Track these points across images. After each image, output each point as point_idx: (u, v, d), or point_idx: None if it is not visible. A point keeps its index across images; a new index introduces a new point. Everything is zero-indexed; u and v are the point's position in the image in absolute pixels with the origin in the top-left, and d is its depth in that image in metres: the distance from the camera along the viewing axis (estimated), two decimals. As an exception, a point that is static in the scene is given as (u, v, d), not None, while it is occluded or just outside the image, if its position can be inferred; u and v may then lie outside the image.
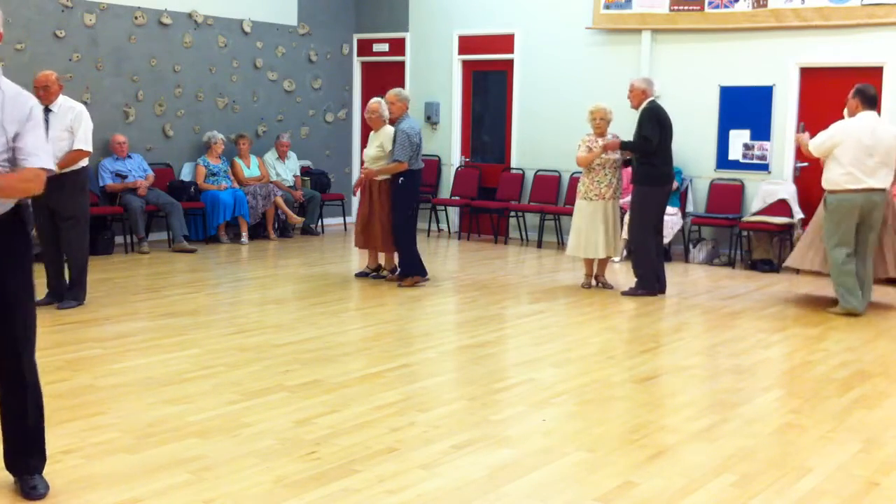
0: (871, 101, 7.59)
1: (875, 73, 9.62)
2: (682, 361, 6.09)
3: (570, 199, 11.29)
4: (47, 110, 7.10)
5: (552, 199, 11.56)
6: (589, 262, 8.67)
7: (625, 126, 8.76)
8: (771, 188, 10.10)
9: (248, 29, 11.90)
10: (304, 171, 12.35)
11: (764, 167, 10.30)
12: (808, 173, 10.00)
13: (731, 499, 3.82)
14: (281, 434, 4.47)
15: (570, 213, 11.17)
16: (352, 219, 13.30)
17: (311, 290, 8.32)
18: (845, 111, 7.78)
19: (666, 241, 10.16)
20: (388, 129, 8.64)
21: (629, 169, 8.59)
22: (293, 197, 11.79)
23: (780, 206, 9.92)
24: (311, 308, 7.58)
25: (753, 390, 5.47)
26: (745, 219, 10.02)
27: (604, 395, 5.30)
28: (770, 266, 9.85)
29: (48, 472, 3.87)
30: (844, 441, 4.57)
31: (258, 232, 11.54)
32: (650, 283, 8.33)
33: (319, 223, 12.21)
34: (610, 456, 4.28)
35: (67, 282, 7.34)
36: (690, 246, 10.46)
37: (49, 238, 7.29)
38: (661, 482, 3.97)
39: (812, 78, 10.02)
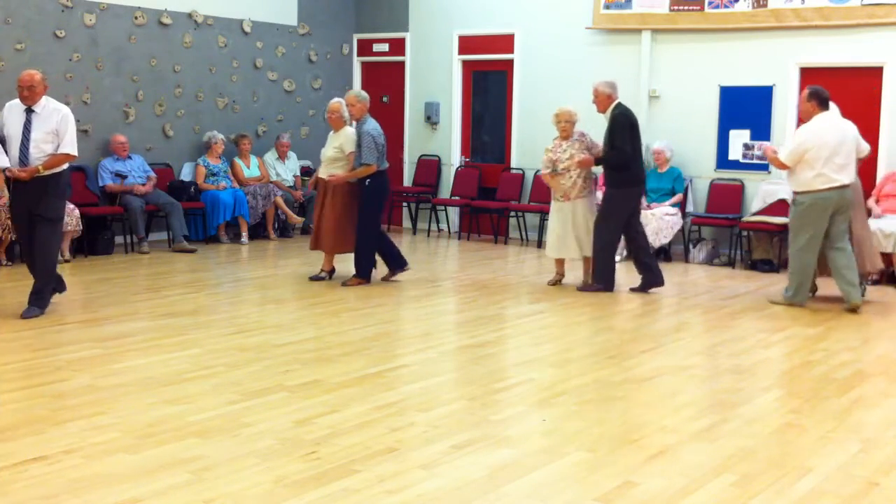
0: (827, 101, 7.71)
1: (875, 73, 9.63)
2: (682, 361, 6.09)
3: (570, 199, 11.31)
4: (30, 111, 6.90)
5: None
6: (559, 261, 8.74)
7: (584, 126, 8.69)
8: (771, 188, 10.09)
9: (248, 29, 11.90)
10: (304, 171, 12.33)
11: (764, 167, 10.30)
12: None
13: (731, 499, 3.82)
14: (281, 434, 4.47)
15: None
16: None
17: (311, 290, 8.32)
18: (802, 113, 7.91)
19: (666, 241, 10.20)
20: (349, 131, 8.53)
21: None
22: (293, 197, 11.79)
23: (780, 206, 9.91)
24: (311, 308, 7.58)
25: (753, 390, 5.47)
26: (745, 219, 10.02)
27: (604, 395, 5.30)
28: (770, 266, 9.85)
29: (49, 471, 3.90)
30: (844, 441, 4.57)
31: (258, 232, 11.54)
32: (608, 280, 8.40)
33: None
34: (610, 456, 4.28)
35: (34, 287, 6.99)
36: (690, 246, 10.46)
37: (30, 244, 6.99)
38: (661, 482, 3.97)
39: (812, 78, 9.99)
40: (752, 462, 4.24)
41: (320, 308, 7.56)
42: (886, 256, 8.95)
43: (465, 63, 12.44)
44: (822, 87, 7.81)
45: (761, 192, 10.16)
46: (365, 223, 8.41)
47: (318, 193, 8.76)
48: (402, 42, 12.85)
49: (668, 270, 9.45)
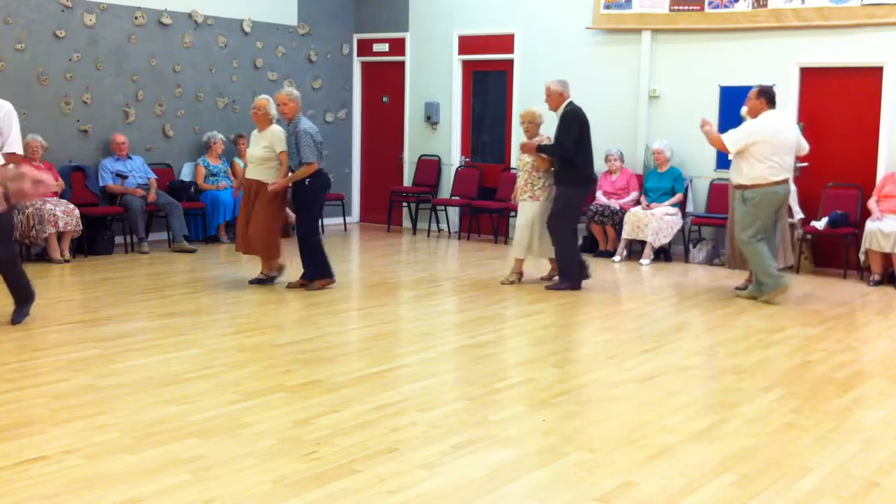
0: (774, 100, 8.09)
1: (875, 73, 9.62)
2: (682, 361, 6.09)
3: (570, 199, 11.31)
4: None
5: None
6: (551, 260, 8.81)
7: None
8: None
9: (248, 29, 11.90)
10: (304, 171, 12.33)
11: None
12: (808, 173, 10.00)
13: (731, 499, 3.82)
14: (281, 434, 4.47)
15: (570, 213, 11.21)
16: (352, 218, 13.35)
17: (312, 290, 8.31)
18: (744, 110, 8.32)
19: (665, 241, 10.21)
20: (276, 130, 8.25)
21: None
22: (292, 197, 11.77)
23: (780, 206, 9.91)
24: (311, 308, 7.58)
25: (753, 390, 5.47)
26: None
27: (604, 395, 5.30)
28: (770, 266, 9.83)
29: (49, 471, 3.90)
30: (844, 441, 4.57)
31: (258, 232, 11.52)
32: (574, 278, 8.45)
33: (319, 223, 12.18)
34: (610, 456, 4.28)
35: (14, 299, 6.66)
36: (690, 246, 10.46)
37: None
38: (661, 482, 3.97)
39: (812, 78, 10.02)
40: (752, 462, 4.24)
41: (320, 308, 7.56)
42: (886, 256, 8.96)
43: (465, 63, 12.44)
44: (770, 86, 8.20)
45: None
46: (308, 223, 8.23)
47: (245, 195, 8.34)
48: (402, 42, 12.85)
49: (668, 270, 9.46)
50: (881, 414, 5.05)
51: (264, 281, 8.49)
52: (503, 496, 3.80)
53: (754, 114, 8.03)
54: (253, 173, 8.32)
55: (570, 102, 8.36)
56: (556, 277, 8.79)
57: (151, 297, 7.88)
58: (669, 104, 10.81)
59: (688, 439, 4.53)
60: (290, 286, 8.29)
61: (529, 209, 8.55)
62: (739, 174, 8.01)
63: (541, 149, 8.38)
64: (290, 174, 8.18)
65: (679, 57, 10.75)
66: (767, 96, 8.03)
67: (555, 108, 8.42)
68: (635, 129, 10.96)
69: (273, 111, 8.31)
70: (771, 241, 8.13)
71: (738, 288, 8.56)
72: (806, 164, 9.85)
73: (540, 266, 9.25)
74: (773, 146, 7.86)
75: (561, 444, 4.43)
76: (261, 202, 8.21)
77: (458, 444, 4.38)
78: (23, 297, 6.72)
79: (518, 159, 8.71)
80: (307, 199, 8.20)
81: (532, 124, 8.53)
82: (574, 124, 8.23)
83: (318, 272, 8.29)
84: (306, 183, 8.13)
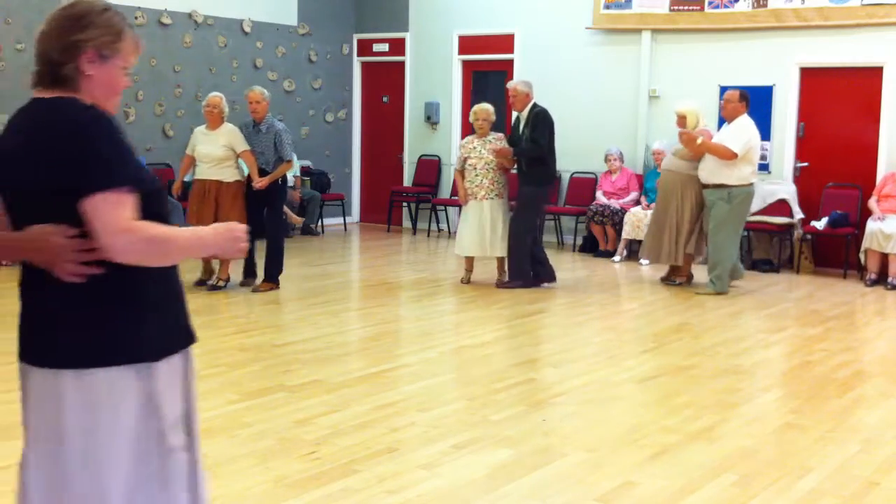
0: (749, 104, 8.40)
1: (875, 73, 9.62)
2: (682, 361, 6.09)
3: (570, 199, 11.31)
4: None
5: (551, 199, 11.53)
6: (468, 259, 8.78)
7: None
8: (771, 188, 10.08)
9: (248, 29, 11.90)
10: (304, 171, 12.34)
11: (764, 167, 10.28)
12: (808, 173, 10.00)
13: (731, 499, 3.82)
14: (281, 434, 4.47)
15: (569, 213, 11.21)
16: (352, 218, 13.34)
17: (311, 290, 8.32)
18: (689, 115, 8.62)
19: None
20: (233, 128, 8.07)
21: None
22: (293, 197, 11.78)
23: (780, 206, 9.92)
24: (311, 308, 7.58)
25: (753, 390, 5.47)
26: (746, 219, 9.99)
27: (604, 395, 5.30)
28: (770, 266, 9.85)
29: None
30: (844, 441, 4.57)
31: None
32: (525, 275, 8.49)
33: (319, 223, 12.21)
34: (610, 456, 4.28)
35: None
36: (690, 246, 10.44)
37: None
38: (661, 482, 3.97)
39: (812, 78, 10.02)
40: (752, 462, 4.24)
41: (320, 308, 7.56)
42: (884, 257, 8.95)
43: (465, 63, 12.44)
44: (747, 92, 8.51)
45: (761, 192, 10.13)
46: (278, 224, 8.16)
47: (205, 196, 7.95)
48: (402, 42, 12.84)
49: (668, 271, 9.45)
50: (881, 414, 5.05)
51: (221, 287, 8.16)
52: (503, 496, 3.80)
53: (733, 116, 8.25)
54: (210, 173, 8.02)
55: (536, 104, 8.44)
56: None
57: (151, 297, 7.86)
58: (669, 104, 10.78)
59: (688, 439, 4.53)
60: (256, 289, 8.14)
61: (498, 207, 8.56)
62: (728, 176, 8.16)
63: (517, 151, 8.40)
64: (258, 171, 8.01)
65: (679, 57, 10.75)
66: (747, 100, 8.29)
67: (520, 109, 8.49)
68: (635, 129, 10.95)
69: (227, 109, 8.22)
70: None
71: (664, 279, 8.95)
72: (806, 163, 9.85)
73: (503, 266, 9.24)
74: (759, 149, 8.33)
75: (561, 444, 4.43)
76: (227, 203, 7.93)
77: (458, 444, 4.38)
78: None
79: (476, 157, 8.53)
80: (280, 197, 8.19)
81: (486, 122, 8.58)
82: (546, 124, 8.34)
83: (275, 274, 8.17)
84: (279, 182, 8.11)
